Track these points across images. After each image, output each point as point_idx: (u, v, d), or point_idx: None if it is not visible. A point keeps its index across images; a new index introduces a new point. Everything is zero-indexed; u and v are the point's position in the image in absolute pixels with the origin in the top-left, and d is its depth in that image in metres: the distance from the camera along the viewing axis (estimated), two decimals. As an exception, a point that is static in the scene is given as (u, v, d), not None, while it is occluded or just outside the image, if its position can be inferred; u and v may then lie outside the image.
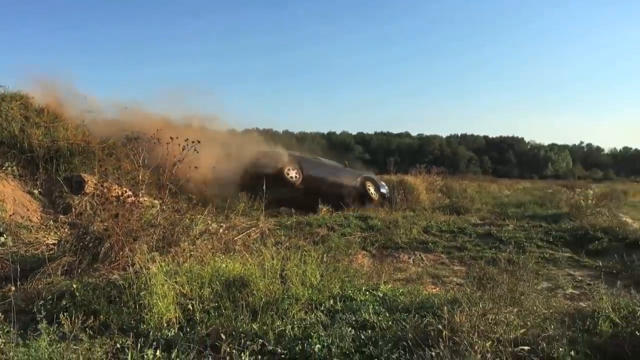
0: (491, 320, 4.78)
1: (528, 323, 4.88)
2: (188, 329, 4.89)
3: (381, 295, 6.27)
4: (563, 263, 10.79)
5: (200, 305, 5.34)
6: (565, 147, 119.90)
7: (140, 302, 5.22)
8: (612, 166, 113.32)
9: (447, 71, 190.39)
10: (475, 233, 13.76)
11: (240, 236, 9.56)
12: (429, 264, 10.64)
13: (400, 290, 6.60)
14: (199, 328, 4.82)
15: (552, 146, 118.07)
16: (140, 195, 8.09)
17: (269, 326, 4.78)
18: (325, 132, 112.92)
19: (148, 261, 6.09)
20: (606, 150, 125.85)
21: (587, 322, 5.22)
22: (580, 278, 9.60)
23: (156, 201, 9.17)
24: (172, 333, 4.80)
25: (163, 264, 6.08)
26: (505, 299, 5.75)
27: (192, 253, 7.11)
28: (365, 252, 11.32)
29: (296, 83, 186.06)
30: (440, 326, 4.50)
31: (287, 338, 4.66)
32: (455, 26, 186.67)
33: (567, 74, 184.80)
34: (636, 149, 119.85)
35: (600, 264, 10.60)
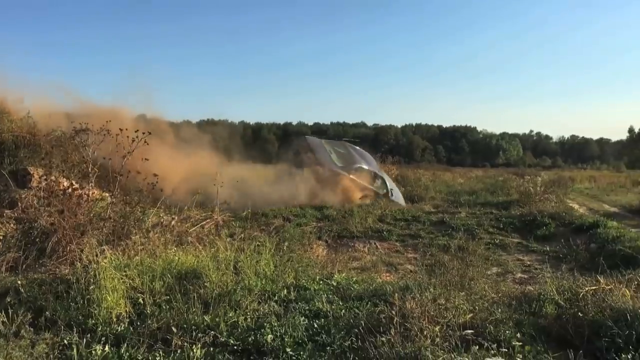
0: (441, 305, 4.88)
1: (476, 307, 4.99)
2: (138, 323, 4.80)
3: (335, 284, 6.31)
4: (512, 248, 11.11)
5: (152, 298, 5.25)
6: (515, 135, 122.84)
7: (89, 297, 5.07)
8: (560, 154, 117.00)
9: (401, 63, 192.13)
10: (429, 221, 14.01)
11: (194, 228, 9.43)
12: (384, 252, 10.77)
13: (354, 279, 6.65)
14: (149, 322, 4.73)
15: (504, 135, 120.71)
16: (90, 188, 7.88)
17: (221, 318, 4.74)
18: (282, 123, 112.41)
19: (97, 255, 5.94)
20: (555, 139, 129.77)
21: (533, 305, 5.38)
22: (528, 263, 9.91)
23: (106, 194, 8.94)
24: (122, 327, 4.70)
25: (113, 257, 5.94)
26: (456, 284, 5.88)
27: (144, 246, 6.98)
28: (320, 241, 11.37)
29: (255, 75, 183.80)
30: (391, 313, 4.56)
31: (239, 329, 4.63)
32: (408, 19, 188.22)
33: (517, 65, 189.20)
34: (583, 137, 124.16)
35: (548, 248, 10.97)
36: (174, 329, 4.49)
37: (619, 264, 7.62)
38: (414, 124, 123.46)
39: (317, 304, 5.35)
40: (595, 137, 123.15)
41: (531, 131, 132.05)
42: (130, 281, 5.47)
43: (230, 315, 4.87)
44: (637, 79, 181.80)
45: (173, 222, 8.11)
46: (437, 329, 4.26)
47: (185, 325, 4.61)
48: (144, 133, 8.35)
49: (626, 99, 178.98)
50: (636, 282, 5.57)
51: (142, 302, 5.20)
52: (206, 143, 17.95)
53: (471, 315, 4.73)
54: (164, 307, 5.08)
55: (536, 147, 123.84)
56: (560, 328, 4.69)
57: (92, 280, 5.30)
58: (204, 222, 10.65)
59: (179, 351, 4.18)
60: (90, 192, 7.74)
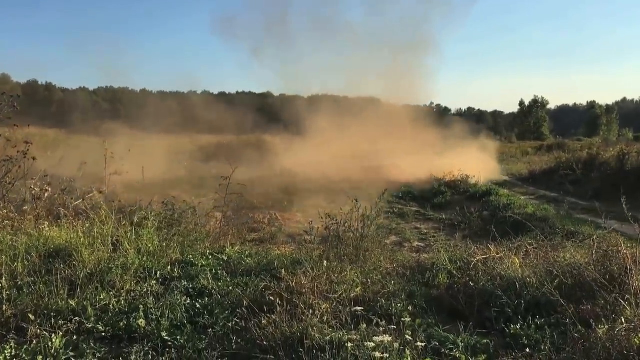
0: (334, 279, 4.64)
1: (369, 280, 4.80)
2: (-8, 310, 4.17)
3: (226, 258, 5.93)
4: (411, 217, 11.23)
5: (12, 281, 4.62)
6: (416, 107, 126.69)
7: None
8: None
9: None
10: (331, 190, 13.91)
11: (78, 202, 8.63)
12: (284, 222, 10.52)
13: (247, 252, 6.29)
14: (5, 308, 4.12)
15: (406, 107, 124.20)
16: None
17: (89, 301, 4.22)
18: (186, 92, 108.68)
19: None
20: (453, 111, 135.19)
21: (427, 275, 5.28)
22: (425, 231, 10.02)
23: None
24: (-29, 317, 4.06)
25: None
26: (350, 256, 5.69)
27: (9, 222, 6.22)
28: (219, 213, 10.89)
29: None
30: (279, 289, 4.25)
31: (110, 313, 4.13)
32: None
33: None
34: (479, 109, 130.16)
35: (444, 216, 11.19)
36: (32, 316, 3.92)
37: (509, 231, 7.77)
38: (320, 95, 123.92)
39: (202, 281, 4.93)
40: (489, 109, 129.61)
41: (432, 103, 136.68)
42: (-13, 262, 4.79)
43: (102, 297, 4.36)
44: (526, 54, 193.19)
45: (47, 195, 7.32)
46: (326, 305, 4.00)
47: (46, 311, 4.05)
48: (12, 96, 7.45)
49: (518, 73, 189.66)
50: (524, 250, 5.60)
51: (-1, 285, 4.55)
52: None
53: (359, 289, 4.52)
54: (25, 290, 4.47)
55: (438, 118, 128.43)
56: (452, 298, 4.59)
57: None
58: (91, 195, 9.85)
59: (34, 341, 3.64)
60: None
